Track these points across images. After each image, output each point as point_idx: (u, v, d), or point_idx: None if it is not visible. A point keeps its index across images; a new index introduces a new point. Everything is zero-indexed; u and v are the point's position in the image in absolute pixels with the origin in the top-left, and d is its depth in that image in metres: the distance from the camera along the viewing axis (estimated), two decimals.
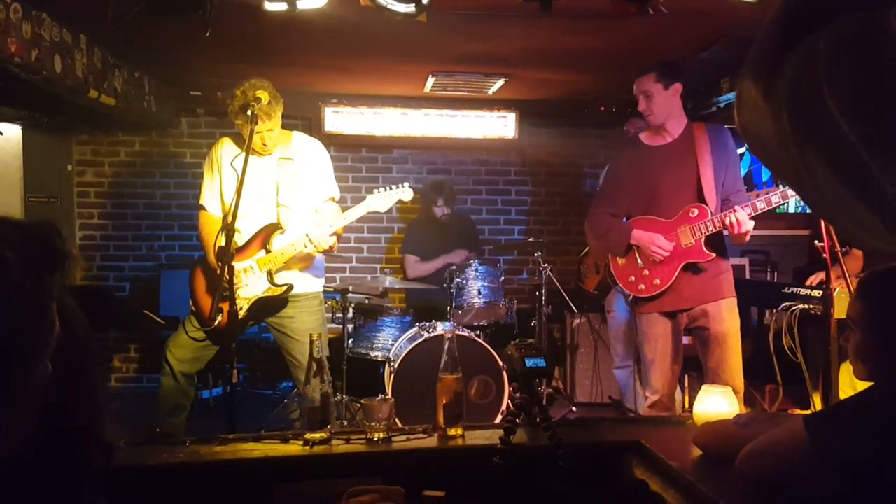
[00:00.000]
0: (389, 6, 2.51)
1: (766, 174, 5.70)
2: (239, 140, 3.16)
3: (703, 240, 2.97)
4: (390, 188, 3.24)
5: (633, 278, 3.09)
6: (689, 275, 3.01)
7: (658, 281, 3.03)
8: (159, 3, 2.53)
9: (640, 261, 3.06)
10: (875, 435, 1.22)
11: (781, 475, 1.33)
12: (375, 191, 3.25)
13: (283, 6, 2.54)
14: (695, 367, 3.72)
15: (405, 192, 3.25)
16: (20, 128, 4.49)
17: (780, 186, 2.95)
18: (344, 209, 3.26)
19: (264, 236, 3.14)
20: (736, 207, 2.87)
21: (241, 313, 3.10)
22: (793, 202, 5.21)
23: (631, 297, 3.15)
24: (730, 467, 1.43)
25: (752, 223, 2.88)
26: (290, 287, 3.15)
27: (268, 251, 3.13)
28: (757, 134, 0.63)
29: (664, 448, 1.67)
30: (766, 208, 2.88)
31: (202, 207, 3.29)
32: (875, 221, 0.55)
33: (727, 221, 2.87)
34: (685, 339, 3.19)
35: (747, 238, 2.94)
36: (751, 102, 0.62)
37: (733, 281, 3.09)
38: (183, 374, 3.16)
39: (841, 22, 0.54)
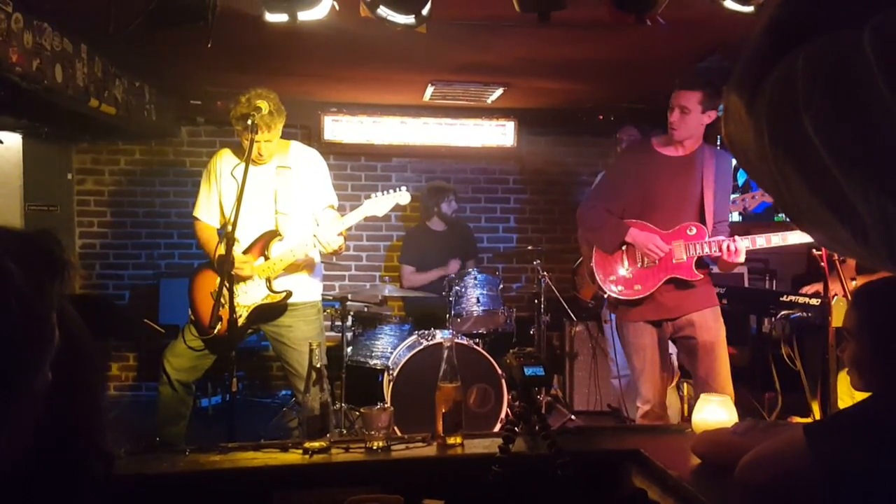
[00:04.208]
0: (389, 17, 2.52)
1: None
2: (238, 150, 3.18)
3: (694, 260, 2.98)
4: (387, 192, 3.25)
5: (613, 277, 3.08)
6: (671, 286, 3.01)
7: (639, 287, 3.02)
8: (161, 15, 2.54)
9: (626, 262, 3.06)
10: (873, 445, 1.22)
11: (781, 484, 1.34)
12: (373, 195, 3.26)
13: (283, 18, 2.55)
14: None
15: (402, 196, 3.26)
16: (20, 136, 4.49)
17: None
18: (342, 216, 3.27)
19: (263, 244, 3.15)
20: (735, 237, 2.91)
21: (241, 321, 3.10)
22: None
23: (607, 296, 3.14)
24: (729, 476, 1.43)
25: (744, 256, 2.91)
26: (290, 293, 3.16)
27: (266, 258, 3.14)
28: (741, 146, 0.64)
29: (663, 457, 1.67)
30: (766, 246, 2.92)
31: (196, 219, 3.31)
32: (848, 237, 0.56)
33: (724, 248, 2.89)
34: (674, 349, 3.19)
35: (733, 269, 2.98)
36: (736, 115, 0.63)
37: (714, 290, 3.11)
38: (180, 382, 3.16)
39: (819, 39, 0.55)
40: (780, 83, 0.58)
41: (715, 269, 3.16)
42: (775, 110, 0.58)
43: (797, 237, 2.86)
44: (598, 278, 3.12)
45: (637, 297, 3.02)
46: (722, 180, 3.04)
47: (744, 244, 2.88)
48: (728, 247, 2.87)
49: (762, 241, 2.89)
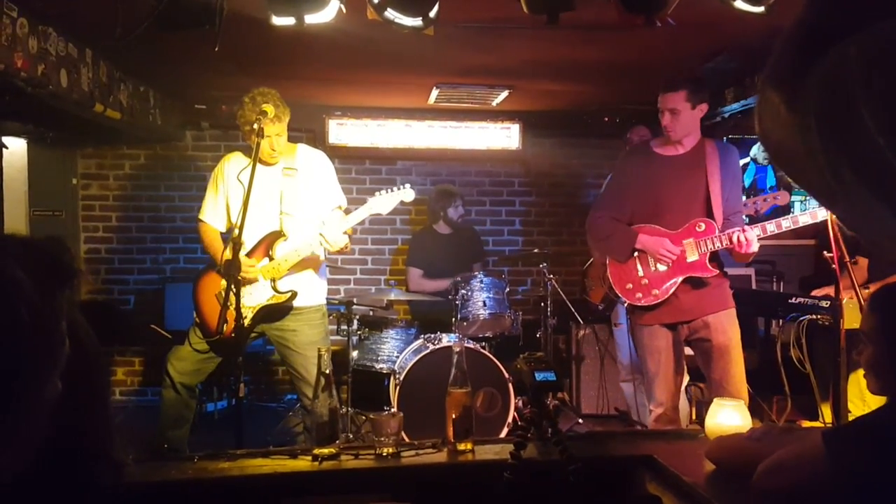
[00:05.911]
0: (397, 20, 2.51)
1: (770, 180, 5.69)
2: (247, 153, 3.18)
3: (707, 255, 2.96)
4: (391, 190, 3.25)
5: (630, 286, 3.06)
6: (688, 287, 3.00)
7: (657, 291, 3.01)
8: (168, 19, 2.53)
9: (640, 269, 3.04)
10: (891, 452, 1.20)
11: (801, 491, 1.31)
12: (377, 193, 3.26)
13: (290, 21, 2.53)
14: (701, 378, 3.69)
15: (407, 194, 3.25)
16: (25, 142, 4.50)
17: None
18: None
19: (267, 244, 3.15)
20: (745, 227, 2.88)
21: (246, 322, 3.10)
22: (798, 208, 5.20)
23: (626, 305, 3.13)
24: (744, 482, 1.41)
25: (758, 245, 2.88)
26: (295, 293, 3.16)
27: (271, 258, 3.14)
28: (780, 144, 0.61)
29: (677, 462, 1.65)
30: (776, 231, 2.88)
31: (201, 221, 3.31)
32: None
33: (734, 239, 2.86)
34: (687, 351, 3.17)
35: (750, 259, 2.94)
36: (773, 111, 0.60)
37: (731, 292, 3.08)
38: (183, 385, 3.16)
39: (875, 28, 0.53)
40: (829, 76, 0.55)
41: (738, 272, 3.14)
42: (826, 105, 0.55)
43: (807, 219, 2.85)
44: (615, 289, 3.10)
45: (656, 301, 3.00)
46: (727, 172, 3.01)
47: (754, 233, 2.85)
48: (739, 238, 2.85)
49: (772, 227, 2.85)
